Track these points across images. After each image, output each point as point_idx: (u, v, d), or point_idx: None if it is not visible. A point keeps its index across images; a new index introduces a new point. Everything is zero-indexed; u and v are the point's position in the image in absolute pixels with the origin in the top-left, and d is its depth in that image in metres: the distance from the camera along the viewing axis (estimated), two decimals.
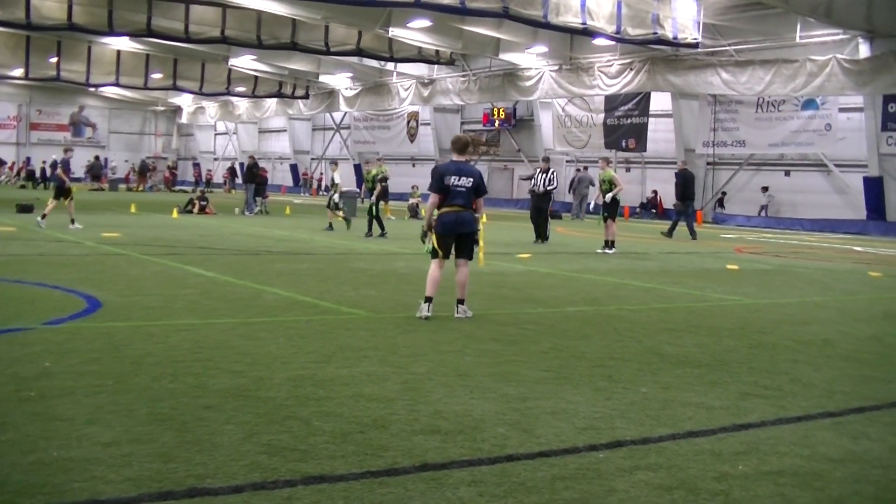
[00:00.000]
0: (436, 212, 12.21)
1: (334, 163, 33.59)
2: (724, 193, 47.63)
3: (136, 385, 7.75)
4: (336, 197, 30.18)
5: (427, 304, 11.98)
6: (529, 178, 30.77)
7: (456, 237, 12.19)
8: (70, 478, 5.42)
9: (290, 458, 5.96)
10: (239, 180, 66.45)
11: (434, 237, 12.22)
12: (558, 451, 6.38)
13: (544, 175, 27.82)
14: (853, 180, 41.84)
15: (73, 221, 25.52)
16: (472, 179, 12.17)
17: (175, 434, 6.38)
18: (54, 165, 69.80)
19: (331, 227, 29.42)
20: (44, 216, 25.77)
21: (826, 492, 5.74)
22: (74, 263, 17.06)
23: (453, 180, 12.10)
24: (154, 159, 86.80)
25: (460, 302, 12.22)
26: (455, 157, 12.52)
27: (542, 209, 27.86)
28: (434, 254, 12.25)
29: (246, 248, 21.62)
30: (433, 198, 12.17)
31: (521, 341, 10.62)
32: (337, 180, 30.59)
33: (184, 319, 11.28)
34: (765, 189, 45.82)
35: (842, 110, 41.72)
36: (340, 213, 30.16)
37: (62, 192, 25.87)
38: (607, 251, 24.20)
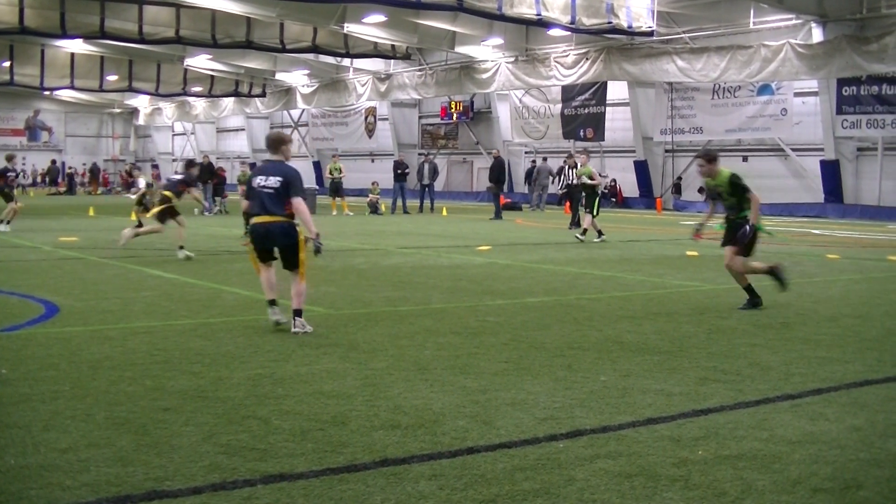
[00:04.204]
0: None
1: (137, 168, 31.77)
2: (679, 178, 47.81)
3: (93, 389, 7.70)
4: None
5: (271, 307, 10.85)
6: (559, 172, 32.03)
7: (273, 248, 10.84)
8: (26, 485, 5.39)
9: (250, 457, 5.95)
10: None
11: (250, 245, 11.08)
12: (518, 442, 6.40)
13: (574, 170, 30.41)
14: (810, 164, 42.11)
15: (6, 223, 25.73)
16: (279, 179, 10.49)
17: (133, 437, 6.35)
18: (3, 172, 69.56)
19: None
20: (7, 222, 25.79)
21: (784, 473, 5.78)
22: (31, 269, 16.93)
23: (258, 181, 10.60)
24: (113, 162, 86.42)
25: (296, 314, 10.62)
26: (269, 156, 10.92)
27: (575, 198, 30.28)
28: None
29: (205, 248, 21.52)
30: (244, 202, 10.66)
31: (481, 333, 10.63)
32: (142, 185, 28.70)
33: (142, 322, 11.22)
34: (701, 190, 46.10)
35: (797, 95, 41.98)
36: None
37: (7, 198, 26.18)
38: (594, 239, 24.97)
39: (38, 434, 6.41)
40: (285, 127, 76.83)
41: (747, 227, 12.80)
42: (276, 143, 10.86)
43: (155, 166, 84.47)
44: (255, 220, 10.71)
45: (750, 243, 12.94)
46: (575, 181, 29.99)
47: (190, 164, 22.43)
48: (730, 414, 7.22)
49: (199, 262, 18.42)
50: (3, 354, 9.06)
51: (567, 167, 30.30)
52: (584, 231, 25.45)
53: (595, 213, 25.67)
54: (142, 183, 40.10)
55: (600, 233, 25.37)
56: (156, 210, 19.21)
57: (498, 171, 39.39)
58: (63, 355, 9.07)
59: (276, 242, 10.68)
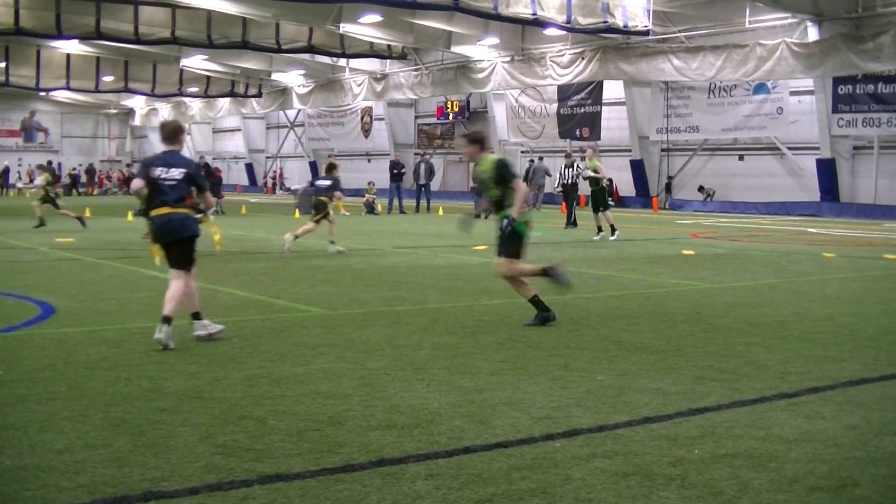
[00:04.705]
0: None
1: (40, 166, 31.85)
2: (670, 178, 47.84)
3: (90, 390, 7.70)
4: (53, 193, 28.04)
5: (165, 324, 9.70)
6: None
7: (171, 243, 10.24)
8: (22, 486, 5.38)
9: (246, 457, 5.95)
10: None
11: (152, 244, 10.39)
12: (515, 441, 6.39)
13: (570, 169, 30.24)
14: (806, 163, 42.14)
15: None
16: (183, 171, 10.09)
17: (130, 438, 6.35)
18: (6, 172, 69.52)
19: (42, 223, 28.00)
20: None
21: (781, 472, 5.78)
22: (28, 270, 16.92)
23: (160, 172, 10.02)
24: (109, 163, 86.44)
25: (196, 317, 10.16)
26: (166, 147, 10.37)
27: (571, 198, 30.56)
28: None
29: (200, 248, 21.43)
30: (137, 182, 10.12)
31: (477, 333, 10.63)
32: (39, 182, 28.91)
33: (138, 323, 11.22)
34: (701, 189, 46.29)
35: (793, 93, 42.04)
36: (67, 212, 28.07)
37: None
38: (609, 237, 25.24)
39: (35, 435, 6.41)
40: (281, 127, 76.90)
41: (505, 222, 11.22)
42: (175, 132, 10.46)
43: None
44: (155, 212, 10.08)
45: (513, 242, 11.22)
46: (570, 181, 30.10)
47: (331, 167, 23.00)
48: (726, 413, 7.22)
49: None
50: None
51: (564, 166, 30.39)
52: (613, 230, 25.56)
53: (605, 207, 25.86)
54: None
55: (600, 229, 25.59)
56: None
57: None
58: (59, 356, 9.06)
59: (177, 234, 10.12)
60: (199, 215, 10.44)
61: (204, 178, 10.62)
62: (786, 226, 33.40)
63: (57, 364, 8.70)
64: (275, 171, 77.65)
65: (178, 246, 10.21)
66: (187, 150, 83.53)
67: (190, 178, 10.13)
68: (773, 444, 6.35)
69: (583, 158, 30.33)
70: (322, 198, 21.50)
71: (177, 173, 10.04)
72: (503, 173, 11.16)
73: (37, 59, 56.48)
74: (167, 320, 9.66)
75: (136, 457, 5.94)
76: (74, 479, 5.51)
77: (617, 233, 25.51)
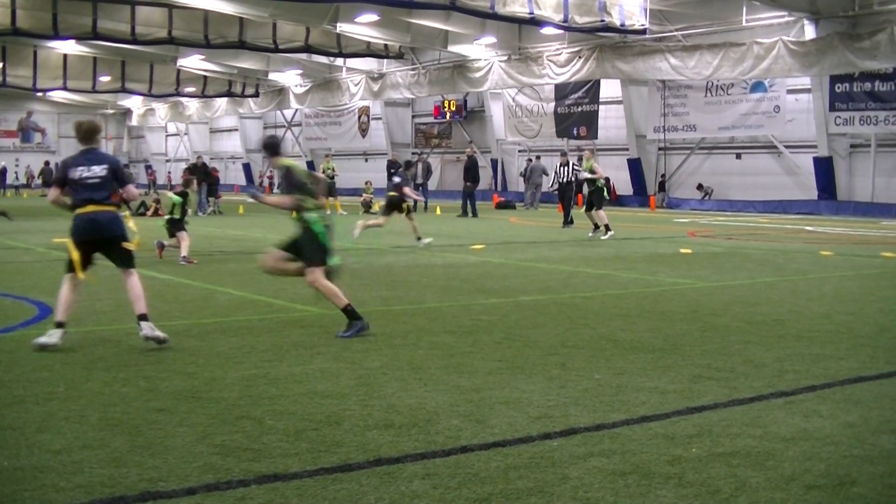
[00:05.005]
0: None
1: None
2: (663, 176, 47.87)
3: (87, 391, 7.70)
4: None
5: (59, 329, 9.58)
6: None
7: (98, 244, 10.00)
8: (20, 487, 5.38)
9: (244, 457, 5.94)
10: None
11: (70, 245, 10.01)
12: (512, 440, 6.39)
13: (565, 168, 30.59)
14: (803, 161, 42.16)
15: None
16: (105, 167, 9.88)
17: (127, 438, 6.34)
18: (3, 172, 69.47)
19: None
20: None
21: (778, 471, 5.78)
22: (25, 270, 16.92)
23: (81, 172, 9.78)
24: None
25: (142, 318, 9.81)
26: (83, 147, 10.13)
27: (567, 197, 30.78)
28: (69, 266, 10.05)
29: (199, 248, 21.49)
30: (52, 192, 10.04)
31: (475, 332, 10.63)
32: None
33: (135, 323, 11.18)
34: (699, 187, 46.30)
35: (790, 92, 42.06)
36: None
37: None
38: (602, 237, 25.30)
39: (32, 436, 6.40)
40: (279, 127, 76.87)
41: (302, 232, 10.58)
42: (91, 132, 10.20)
43: (149, 167, 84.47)
44: (79, 210, 9.79)
45: (313, 247, 10.52)
46: (566, 179, 30.20)
47: (408, 165, 23.98)
48: (724, 411, 7.22)
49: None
50: None
51: (560, 165, 30.53)
52: (606, 227, 25.63)
53: (599, 206, 26.03)
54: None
55: (596, 227, 25.71)
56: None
57: (472, 170, 40.49)
58: (57, 357, 9.05)
59: (102, 233, 9.86)
60: (123, 214, 10.23)
61: (127, 173, 10.37)
62: (783, 224, 33.42)
63: (54, 364, 8.69)
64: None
65: (109, 245, 9.99)
66: (185, 151, 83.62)
67: (114, 173, 9.93)
68: (770, 443, 6.35)
69: (580, 159, 30.42)
70: (392, 193, 22.65)
71: (99, 170, 9.84)
72: (287, 181, 10.61)
73: (34, 59, 56.45)
74: (144, 317, 9.74)
75: (133, 457, 5.93)
76: (72, 479, 5.51)
77: (611, 232, 25.53)
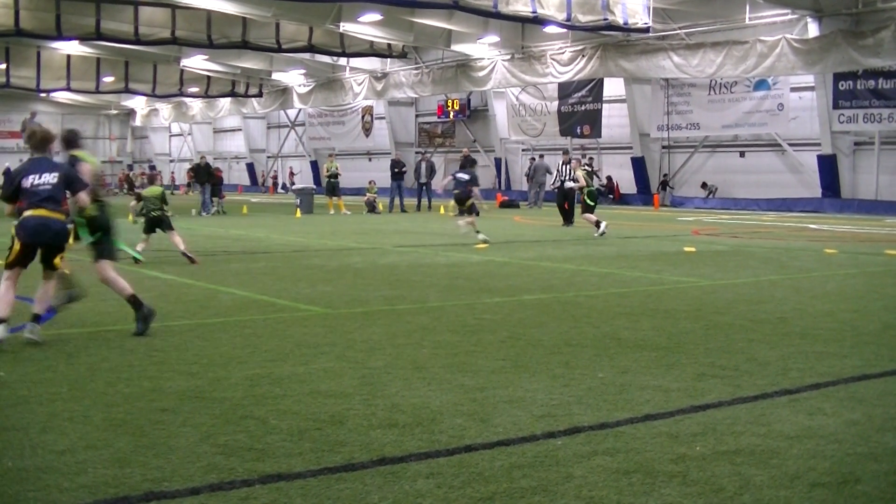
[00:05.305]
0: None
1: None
2: (665, 175, 47.84)
3: (91, 391, 7.70)
4: None
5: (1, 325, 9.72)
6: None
7: (42, 247, 10.08)
8: (24, 487, 5.38)
9: (247, 457, 5.94)
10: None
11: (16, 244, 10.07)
12: (516, 439, 6.39)
13: (567, 166, 30.14)
14: (807, 159, 42.12)
15: None
16: (56, 174, 9.99)
17: (131, 438, 6.34)
18: (6, 173, 69.56)
19: None
20: None
21: (782, 469, 5.77)
22: (28, 272, 16.84)
23: (33, 179, 9.91)
24: (109, 163, 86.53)
25: (38, 319, 10.04)
26: (35, 155, 10.29)
27: (569, 196, 30.54)
28: (14, 261, 10.13)
29: (202, 248, 21.49)
30: (8, 207, 10.14)
31: (478, 331, 10.62)
32: None
33: (133, 323, 11.20)
34: (704, 186, 46.28)
35: (793, 90, 42.00)
36: None
37: None
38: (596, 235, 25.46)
39: (36, 436, 6.41)
40: (282, 127, 76.92)
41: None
42: (44, 141, 10.37)
43: (152, 167, 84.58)
44: (29, 213, 9.86)
45: (97, 244, 10.70)
46: (567, 178, 30.31)
47: (472, 162, 25.12)
48: (727, 409, 7.21)
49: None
50: (0, 357, 9.05)
51: (562, 164, 30.61)
52: (598, 224, 25.77)
53: (591, 209, 26.36)
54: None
55: (598, 224, 25.71)
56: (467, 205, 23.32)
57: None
58: (60, 357, 9.06)
59: (51, 240, 9.98)
60: (69, 225, 10.29)
61: (79, 179, 10.30)
62: (787, 222, 33.40)
63: (58, 365, 8.70)
64: (275, 171, 77.68)
65: (48, 249, 10.09)
66: (189, 151, 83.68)
67: (66, 179, 10.05)
68: (774, 441, 6.34)
69: (579, 161, 30.59)
70: (457, 191, 23.66)
71: (51, 177, 9.95)
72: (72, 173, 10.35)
73: (37, 60, 56.50)
74: (38, 318, 9.98)
75: (137, 457, 5.93)
76: (76, 479, 5.51)
77: (601, 229, 25.60)
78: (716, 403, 7.38)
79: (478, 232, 23.05)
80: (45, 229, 9.90)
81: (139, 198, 23.49)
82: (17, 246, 10.03)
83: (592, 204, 26.46)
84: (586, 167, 28.93)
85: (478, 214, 24.07)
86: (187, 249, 18.39)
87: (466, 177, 23.84)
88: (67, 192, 10.09)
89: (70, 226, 10.29)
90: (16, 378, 8.14)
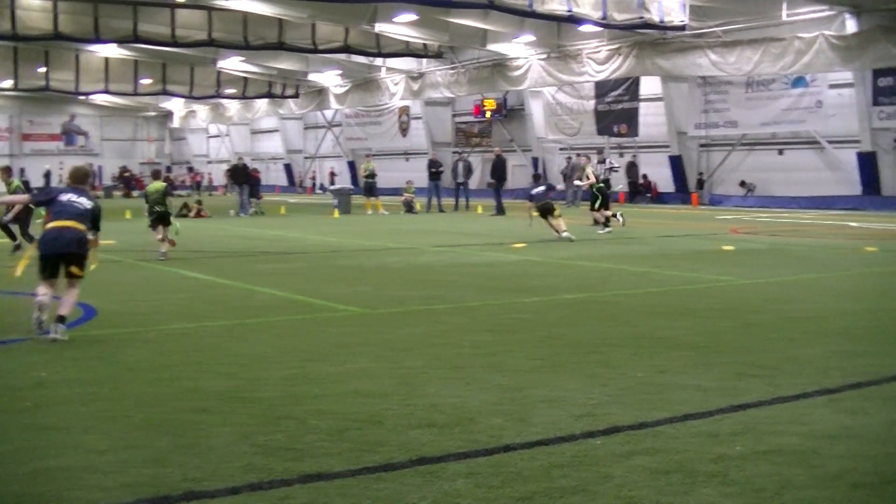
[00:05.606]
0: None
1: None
2: (700, 174, 47.58)
3: (130, 391, 7.75)
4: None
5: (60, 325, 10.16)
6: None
7: (58, 257, 10.48)
8: (65, 486, 5.43)
9: (286, 457, 5.96)
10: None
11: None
12: (554, 439, 6.38)
13: (602, 165, 30.83)
14: (846, 156, 41.74)
15: None
16: (91, 203, 10.85)
17: (170, 438, 6.38)
18: (47, 175, 70.11)
19: None
20: None
21: (823, 469, 5.73)
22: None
23: (69, 198, 10.68)
24: (147, 164, 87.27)
25: (61, 320, 10.21)
26: (74, 186, 11.06)
27: (605, 194, 30.24)
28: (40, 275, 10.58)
29: (240, 249, 21.60)
30: (24, 196, 10.86)
31: (516, 331, 10.62)
32: None
33: (178, 324, 11.28)
34: (742, 184, 45.98)
35: (832, 86, 41.62)
36: None
37: None
38: (599, 231, 26.13)
39: (77, 436, 6.46)
40: (319, 127, 77.07)
41: None
42: (85, 177, 11.40)
43: (191, 169, 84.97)
44: (50, 225, 10.51)
45: None
46: (603, 177, 30.33)
47: (538, 177, 26.74)
48: (767, 409, 7.17)
49: (232, 263, 18.50)
50: (42, 358, 9.13)
51: (596, 163, 30.73)
52: (606, 222, 26.26)
53: (596, 207, 26.92)
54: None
55: (607, 222, 26.10)
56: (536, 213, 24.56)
57: (499, 169, 41.10)
58: (100, 357, 9.13)
59: (63, 245, 10.42)
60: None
61: (99, 218, 11.05)
62: (826, 220, 33.16)
63: (98, 366, 8.77)
64: (313, 172, 77.84)
65: (66, 259, 10.46)
66: (227, 152, 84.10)
67: (93, 214, 10.80)
68: (814, 441, 6.30)
69: (588, 158, 30.72)
70: (540, 204, 24.79)
71: (86, 202, 10.73)
72: None
73: (76, 63, 56.86)
74: (62, 319, 10.19)
75: (176, 457, 5.97)
76: (116, 478, 5.55)
77: (608, 228, 26.02)
78: (755, 403, 7.33)
79: (565, 230, 24.04)
80: (60, 237, 10.39)
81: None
82: (28, 252, 10.65)
83: (601, 200, 26.69)
84: (610, 165, 29.10)
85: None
86: (167, 251, 19.03)
87: (543, 188, 25.59)
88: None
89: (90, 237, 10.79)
90: (57, 379, 8.20)
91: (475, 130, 61.62)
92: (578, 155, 49.08)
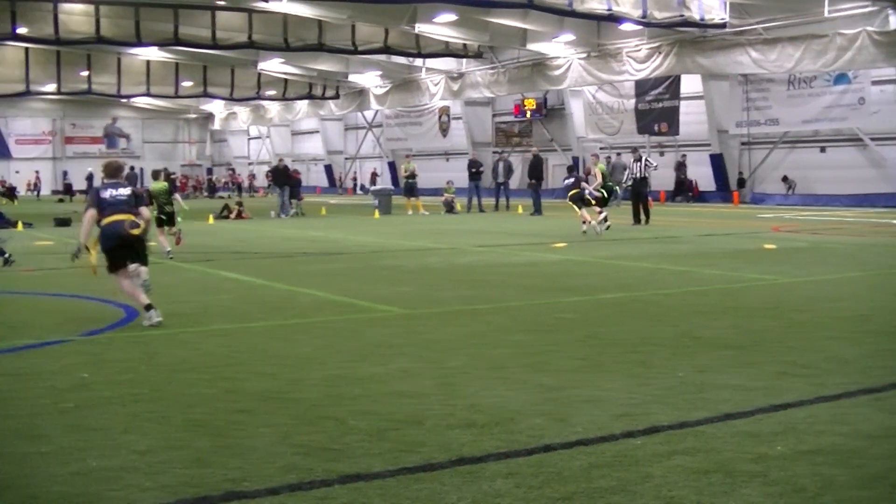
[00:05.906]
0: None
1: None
2: (741, 173, 47.31)
3: (171, 392, 7.80)
4: None
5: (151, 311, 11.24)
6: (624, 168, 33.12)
7: (120, 248, 11.46)
8: (107, 486, 5.47)
9: (326, 457, 5.98)
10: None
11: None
12: (594, 439, 6.36)
13: (638, 163, 30.69)
14: (890, 153, 41.41)
15: None
16: (128, 189, 11.64)
17: (210, 439, 6.41)
18: (90, 178, 70.61)
19: None
20: None
21: (865, 469, 5.68)
22: (104, 273, 17.11)
23: (110, 193, 11.42)
24: (188, 167, 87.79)
25: (149, 308, 11.33)
26: (108, 181, 11.79)
27: (641, 194, 30.79)
28: (110, 267, 11.69)
29: (280, 250, 21.68)
30: (90, 213, 11.37)
31: (556, 331, 10.60)
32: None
33: (218, 325, 11.34)
34: (785, 179, 45.68)
35: (875, 83, 41.30)
36: None
37: None
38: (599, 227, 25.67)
39: (118, 436, 6.50)
40: (359, 128, 77.23)
41: None
42: (117, 170, 12.03)
43: (231, 171, 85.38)
44: (105, 221, 11.33)
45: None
46: (640, 176, 30.18)
47: (570, 168, 27.60)
48: (808, 408, 7.12)
49: (273, 264, 18.57)
50: (83, 359, 9.21)
51: (633, 161, 30.56)
52: (605, 220, 25.90)
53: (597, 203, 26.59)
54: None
55: (605, 219, 25.88)
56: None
57: (536, 169, 41.57)
58: (141, 359, 9.20)
59: (121, 235, 11.30)
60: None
61: (143, 196, 12.10)
62: (869, 218, 32.89)
63: (139, 366, 8.83)
64: (354, 172, 78.02)
65: (134, 247, 11.64)
66: (267, 153, 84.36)
67: (135, 196, 11.63)
68: (856, 441, 6.25)
69: (597, 156, 30.76)
70: (572, 192, 25.89)
71: (125, 191, 11.52)
72: None
73: (117, 66, 57.29)
74: (150, 307, 11.26)
75: (216, 457, 6.00)
76: (157, 479, 5.58)
77: (598, 225, 25.58)
78: (796, 402, 7.28)
79: (597, 223, 24.84)
80: (118, 228, 11.23)
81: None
82: (95, 254, 11.43)
83: (605, 199, 26.63)
84: (647, 163, 29.19)
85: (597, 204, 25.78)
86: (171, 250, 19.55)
87: (572, 179, 26.72)
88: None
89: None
90: (99, 380, 8.26)
91: (515, 130, 61.57)
92: (619, 154, 49.10)
